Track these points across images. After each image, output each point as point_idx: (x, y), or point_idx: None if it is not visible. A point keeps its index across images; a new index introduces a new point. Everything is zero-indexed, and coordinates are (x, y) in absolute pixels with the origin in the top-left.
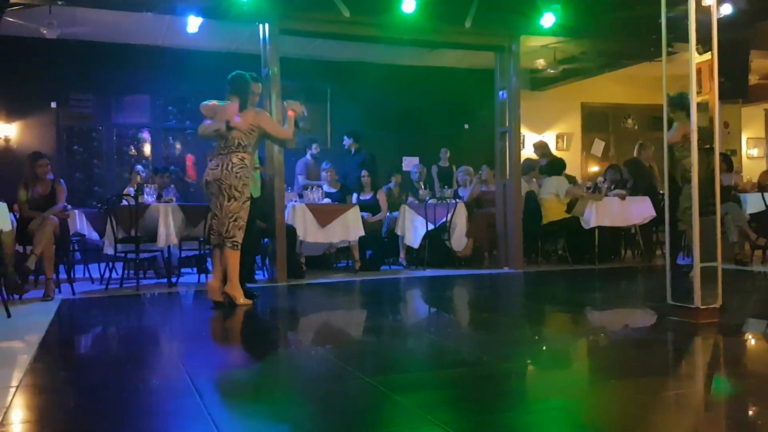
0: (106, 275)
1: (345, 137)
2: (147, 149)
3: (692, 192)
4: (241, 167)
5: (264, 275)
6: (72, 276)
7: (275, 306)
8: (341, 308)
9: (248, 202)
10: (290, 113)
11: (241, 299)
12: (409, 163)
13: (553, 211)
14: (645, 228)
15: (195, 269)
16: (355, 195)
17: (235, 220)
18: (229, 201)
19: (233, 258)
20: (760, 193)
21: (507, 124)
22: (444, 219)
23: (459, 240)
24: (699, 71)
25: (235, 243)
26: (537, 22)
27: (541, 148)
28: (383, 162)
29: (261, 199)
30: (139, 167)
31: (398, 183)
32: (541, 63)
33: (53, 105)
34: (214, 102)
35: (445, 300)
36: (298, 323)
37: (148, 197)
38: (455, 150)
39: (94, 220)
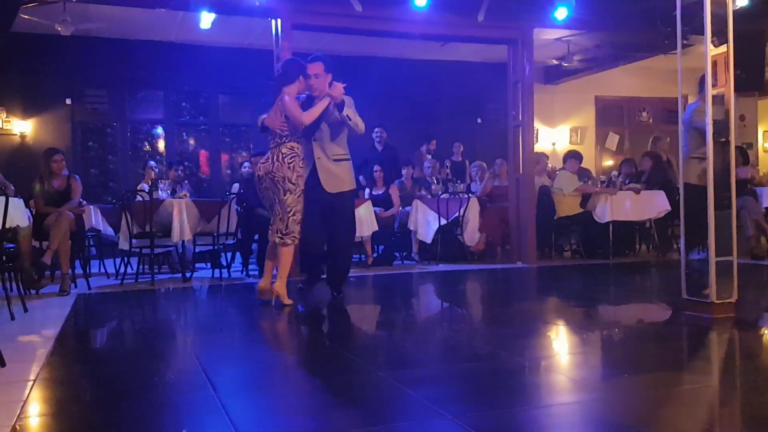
0: (122, 270)
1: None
2: (161, 145)
3: (707, 185)
4: (293, 156)
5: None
6: (87, 271)
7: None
8: (354, 303)
9: (302, 195)
10: (326, 96)
11: (287, 300)
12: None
13: (567, 205)
14: (660, 222)
15: (209, 264)
16: (367, 190)
17: (293, 215)
18: (285, 194)
19: (288, 255)
20: None
21: (520, 119)
22: (456, 214)
23: (472, 235)
24: (715, 64)
25: (294, 238)
26: (551, 15)
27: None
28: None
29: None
30: (152, 163)
31: (410, 176)
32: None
33: (68, 101)
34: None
35: (457, 295)
36: (310, 317)
37: (162, 193)
38: (468, 144)
39: (109, 216)
